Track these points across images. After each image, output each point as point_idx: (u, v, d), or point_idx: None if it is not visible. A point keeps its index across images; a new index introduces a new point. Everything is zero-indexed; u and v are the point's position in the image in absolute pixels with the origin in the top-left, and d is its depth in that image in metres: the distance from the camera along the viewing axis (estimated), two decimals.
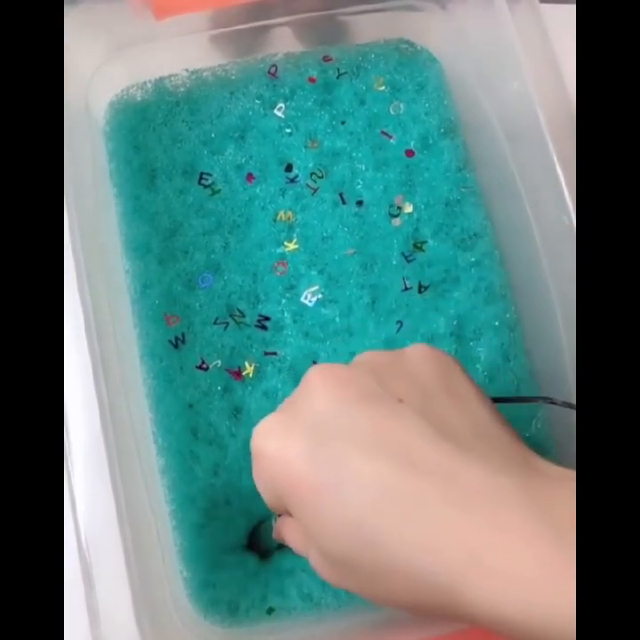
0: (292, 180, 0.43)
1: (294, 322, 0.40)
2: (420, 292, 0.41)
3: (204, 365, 0.39)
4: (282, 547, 0.38)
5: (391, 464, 0.26)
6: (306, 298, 0.40)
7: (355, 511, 0.26)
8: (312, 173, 0.43)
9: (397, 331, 0.40)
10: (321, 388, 0.29)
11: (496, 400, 0.31)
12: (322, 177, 0.43)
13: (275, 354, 0.40)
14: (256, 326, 0.40)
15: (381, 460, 0.26)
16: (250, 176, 0.43)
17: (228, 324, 0.40)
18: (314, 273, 0.41)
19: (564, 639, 0.23)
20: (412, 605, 0.27)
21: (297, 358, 0.40)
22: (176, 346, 0.39)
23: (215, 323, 0.40)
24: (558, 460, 0.39)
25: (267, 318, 0.40)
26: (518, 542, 0.24)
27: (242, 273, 0.41)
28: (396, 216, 0.42)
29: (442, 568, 0.25)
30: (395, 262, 0.41)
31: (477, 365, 0.40)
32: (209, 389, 0.39)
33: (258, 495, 0.37)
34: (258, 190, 0.42)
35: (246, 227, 0.42)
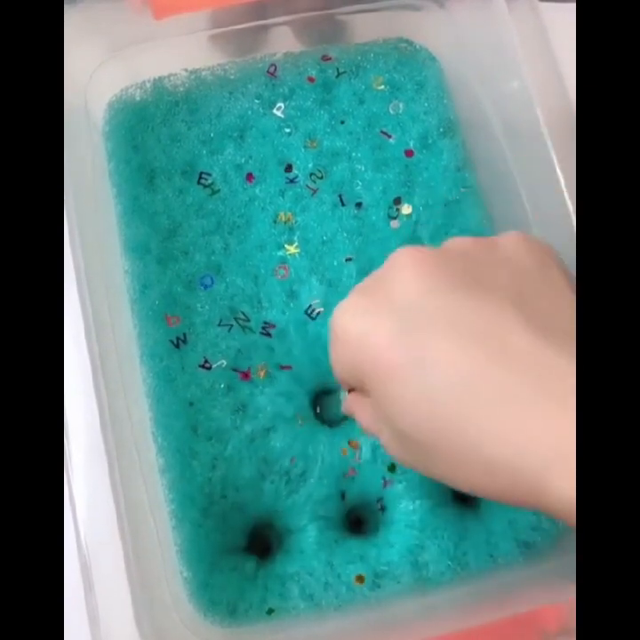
0: (292, 181, 0.43)
1: (297, 331, 0.40)
2: None
3: (207, 365, 0.39)
4: (346, 419, 0.39)
5: (482, 351, 0.26)
6: (310, 309, 0.40)
7: (438, 394, 0.26)
8: (311, 174, 0.43)
9: None
10: (410, 272, 0.28)
11: None
12: (321, 177, 0.43)
13: (290, 367, 0.40)
14: (261, 334, 0.40)
15: (472, 347, 0.26)
16: (249, 176, 0.43)
17: (231, 326, 0.40)
18: (314, 281, 0.41)
19: None
20: (490, 493, 0.27)
21: (303, 364, 0.40)
22: (177, 346, 0.39)
23: (220, 324, 0.40)
24: None
25: (272, 325, 0.40)
26: None
27: (243, 275, 0.41)
28: (395, 218, 0.42)
29: (528, 460, 0.24)
30: None
31: None
32: (211, 387, 0.39)
33: (253, 488, 0.37)
34: (257, 191, 0.42)
35: (246, 228, 0.42)
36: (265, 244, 0.41)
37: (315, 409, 0.40)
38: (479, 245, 0.30)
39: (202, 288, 0.40)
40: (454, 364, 0.26)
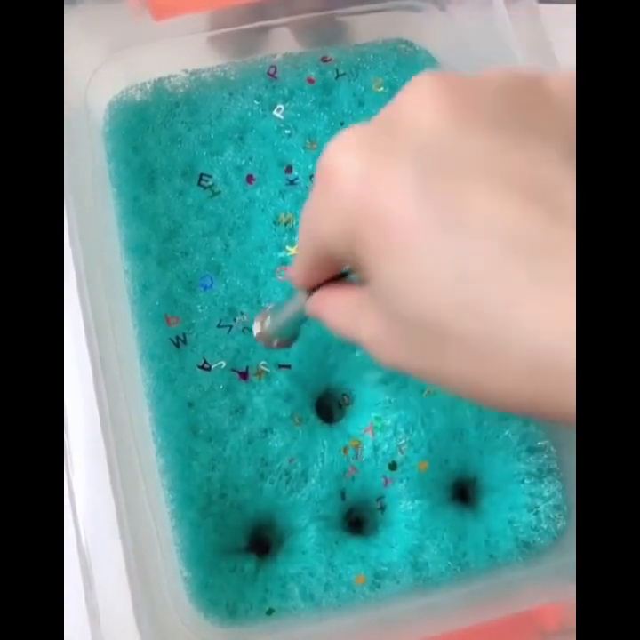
0: (292, 182, 0.43)
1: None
2: None
3: (206, 365, 0.39)
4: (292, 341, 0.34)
5: (526, 205, 0.20)
6: None
7: (473, 262, 0.20)
8: (312, 175, 0.43)
9: None
10: (434, 102, 0.22)
11: None
12: None
13: (289, 367, 0.39)
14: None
15: (507, 196, 0.20)
16: (250, 178, 0.43)
17: (231, 327, 0.40)
18: None
19: None
20: (512, 395, 0.21)
21: (302, 363, 0.40)
22: (177, 346, 0.39)
23: (219, 325, 0.40)
24: (557, 459, 0.39)
25: None
26: None
27: (243, 276, 0.41)
28: None
29: (559, 346, 0.20)
30: None
31: None
32: (211, 388, 0.39)
33: (253, 487, 0.37)
34: (258, 192, 0.42)
35: (246, 229, 0.42)
36: (265, 245, 0.41)
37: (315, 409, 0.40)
38: (526, 82, 0.23)
39: (202, 289, 0.40)
40: (499, 219, 0.20)
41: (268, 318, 0.34)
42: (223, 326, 0.40)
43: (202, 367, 0.39)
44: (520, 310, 0.20)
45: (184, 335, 0.40)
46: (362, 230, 0.22)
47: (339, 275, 0.27)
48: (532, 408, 0.21)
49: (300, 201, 0.42)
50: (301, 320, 0.32)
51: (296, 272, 0.27)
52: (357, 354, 0.39)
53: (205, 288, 0.40)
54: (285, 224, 0.42)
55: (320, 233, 0.24)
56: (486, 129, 0.22)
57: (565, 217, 0.20)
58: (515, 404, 0.22)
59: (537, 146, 0.21)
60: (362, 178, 0.22)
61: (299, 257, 0.27)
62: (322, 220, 0.24)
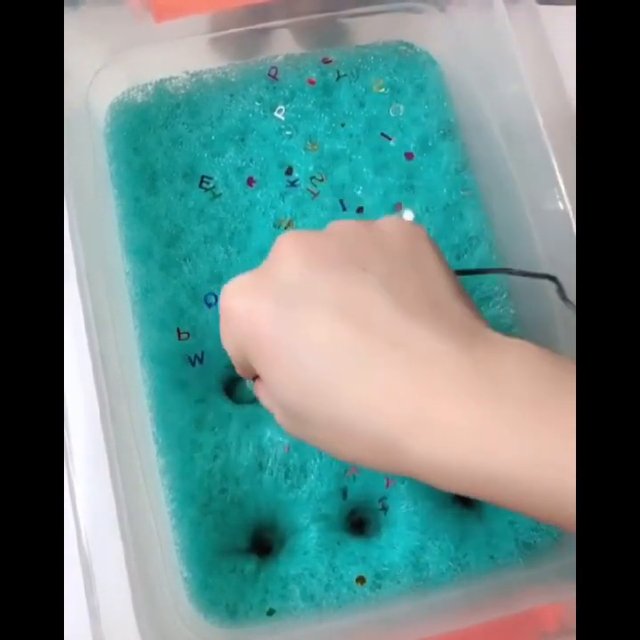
0: (293, 184, 0.43)
1: None
2: None
3: (207, 364, 0.39)
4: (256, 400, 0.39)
5: (348, 326, 0.28)
6: None
7: (312, 367, 0.28)
8: (312, 177, 0.43)
9: None
10: (290, 253, 0.30)
11: (460, 272, 0.33)
12: (322, 181, 0.43)
13: None
14: None
15: (339, 322, 0.28)
16: (250, 180, 0.43)
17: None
18: None
19: (505, 484, 0.25)
20: (363, 460, 0.29)
21: None
22: (193, 364, 0.39)
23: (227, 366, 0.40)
24: None
25: None
26: (459, 400, 0.26)
27: None
28: None
29: (387, 426, 0.27)
30: None
31: None
32: (211, 387, 0.39)
33: (252, 479, 0.37)
34: (259, 194, 0.42)
35: (247, 233, 0.42)
36: (266, 249, 0.41)
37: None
38: (358, 228, 0.31)
39: (206, 306, 0.40)
40: (325, 336, 0.28)
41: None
42: (231, 367, 0.40)
43: (202, 366, 0.39)
44: (347, 397, 0.27)
45: (187, 334, 0.40)
46: (247, 347, 0.30)
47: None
48: (381, 469, 0.28)
49: (300, 203, 0.42)
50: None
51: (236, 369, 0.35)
52: None
53: (210, 306, 0.40)
54: (285, 228, 0.42)
55: (228, 348, 0.33)
56: (324, 269, 0.29)
57: (376, 333, 0.28)
58: (374, 468, 0.29)
59: (358, 279, 0.29)
60: (243, 312, 0.30)
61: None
62: (225, 341, 0.33)
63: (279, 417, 0.31)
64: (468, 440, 0.25)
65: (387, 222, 0.32)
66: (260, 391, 0.34)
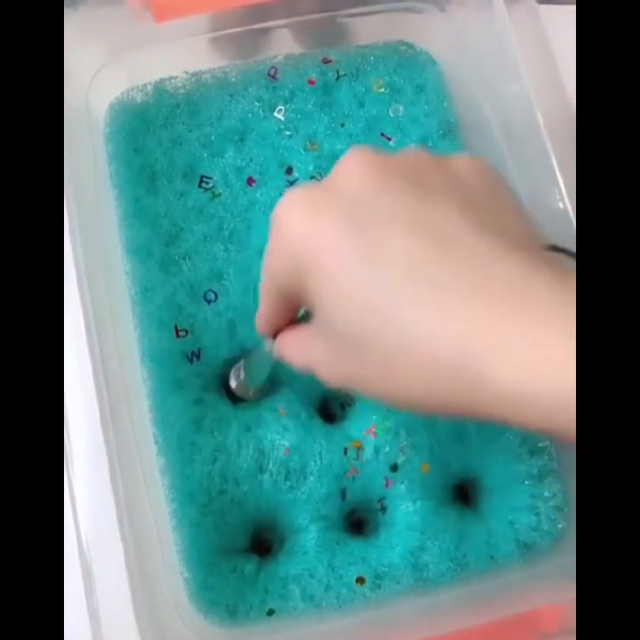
0: (292, 184, 0.43)
1: None
2: None
3: (204, 361, 0.40)
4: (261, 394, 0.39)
5: (426, 243, 0.26)
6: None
7: (377, 284, 0.26)
8: (312, 177, 0.43)
9: None
10: (362, 170, 0.28)
11: None
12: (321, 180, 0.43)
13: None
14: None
15: (417, 238, 0.26)
16: (250, 179, 0.43)
17: (231, 334, 0.40)
18: None
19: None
20: (427, 397, 0.26)
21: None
22: (190, 361, 0.39)
23: (220, 329, 0.40)
24: (558, 461, 0.39)
25: None
26: (545, 323, 0.24)
27: (244, 284, 0.40)
28: None
29: (467, 350, 0.25)
30: None
31: None
32: (210, 385, 0.39)
33: (252, 481, 0.37)
34: (258, 194, 0.42)
35: (247, 232, 0.42)
36: (253, 248, 0.41)
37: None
38: (432, 158, 0.30)
39: (205, 303, 0.40)
40: (402, 253, 0.26)
41: (242, 371, 0.39)
42: (229, 361, 0.40)
43: (202, 365, 0.39)
44: (419, 318, 0.25)
45: (186, 331, 0.40)
46: (304, 265, 0.28)
47: (294, 321, 0.32)
48: (447, 408, 0.26)
49: None
50: (270, 365, 0.37)
51: (261, 322, 0.33)
52: None
53: (209, 303, 0.40)
54: None
55: (275, 271, 0.30)
56: (399, 190, 0.28)
57: (458, 255, 0.26)
58: (430, 405, 0.27)
59: (438, 201, 0.27)
60: (302, 225, 0.28)
61: (261, 306, 0.32)
62: (275, 260, 0.30)
63: (324, 356, 0.29)
64: (556, 365, 0.24)
65: (463, 159, 0.30)
66: (288, 341, 0.32)
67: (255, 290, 0.40)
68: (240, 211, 0.42)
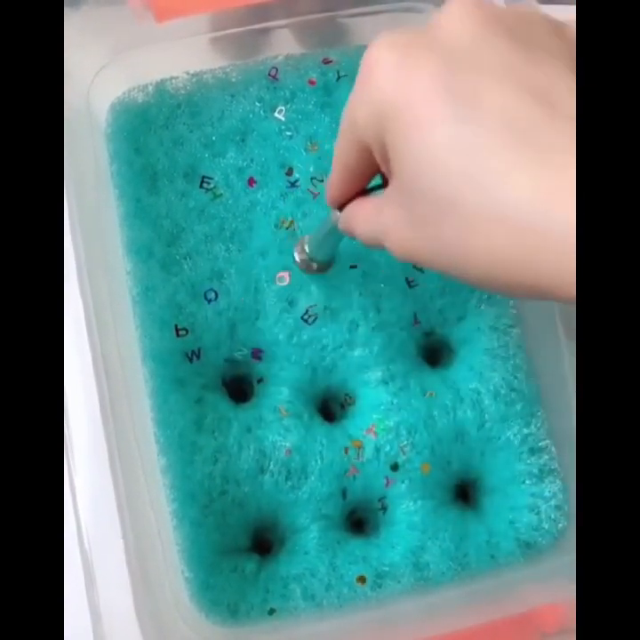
0: (293, 184, 0.43)
1: (290, 340, 0.40)
2: (410, 287, 0.41)
3: (204, 361, 0.40)
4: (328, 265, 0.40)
5: (536, 103, 0.24)
6: (306, 314, 0.40)
7: (476, 140, 0.24)
8: (313, 177, 0.43)
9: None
10: (463, 15, 0.26)
11: None
12: (322, 181, 0.43)
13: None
14: (252, 358, 0.40)
15: (527, 97, 0.24)
16: (251, 180, 0.42)
17: (232, 332, 0.40)
18: (314, 288, 0.41)
19: None
20: (508, 264, 0.24)
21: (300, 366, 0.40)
22: (190, 360, 0.40)
23: (226, 360, 0.40)
24: (558, 460, 0.39)
25: (261, 351, 0.40)
26: None
27: (245, 284, 0.41)
28: None
29: (559, 220, 0.23)
30: (397, 270, 0.41)
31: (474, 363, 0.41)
32: (210, 385, 0.39)
33: (253, 481, 0.37)
34: (259, 195, 0.42)
35: (248, 233, 0.41)
36: (267, 249, 0.41)
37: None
38: (547, 21, 0.28)
39: (206, 302, 0.40)
40: (507, 111, 0.24)
41: (306, 245, 0.39)
42: (229, 360, 0.40)
43: (201, 364, 0.40)
44: (513, 180, 0.23)
45: (186, 330, 0.40)
46: (391, 116, 0.26)
47: (364, 191, 0.31)
48: (521, 277, 0.24)
49: (300, 204, 0.42)
50: (336, 239, 0.37)
51: (330, 191, 0.32)
52: (356, 353, 0.39)
53: (209, 302, 0.40)
54: (286, 228, 0.42)
55: (357, 119, 0.28)
56: (504, 43, 0.26)
57: (564, 115, 0.24)
58: (503, 275, 0.25)
59: (546, 60, 0.25)
60: (395, 69, 0.26)
61: (333, 171, 0.31)
62: (359, 107, 0.28)
63: (399, 223, 0.27)
64: None
65: (574, 29, 0.28)
66: (358, 211, 0.31)
67: (256, 289, 0.40)
68: (241, 211, 0.42)
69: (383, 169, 0.29)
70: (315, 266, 0.40)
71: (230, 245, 0.41)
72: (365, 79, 0.27)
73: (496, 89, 0.25)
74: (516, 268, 0.24)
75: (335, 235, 0.35)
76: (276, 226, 0.42)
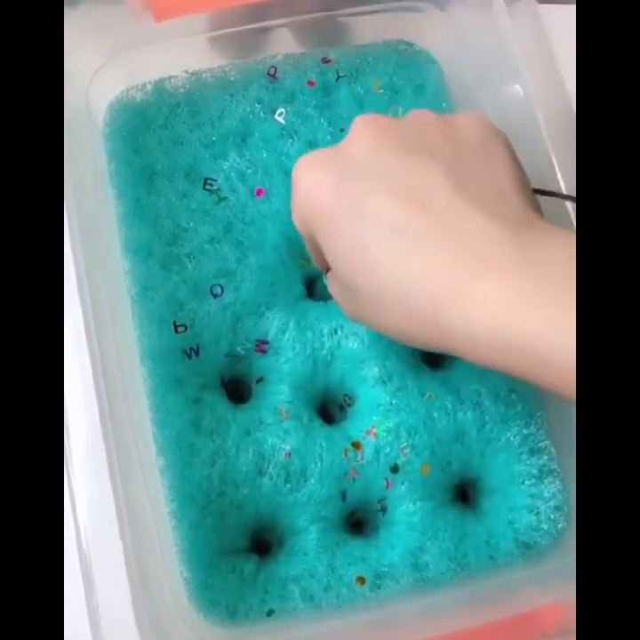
0: None
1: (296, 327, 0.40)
2: None
3: (203, 358, 0.40)
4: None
5: (404, 204, 0.30)
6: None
7: (363, 240, 0.30)
8: None
9: None
10: (363, 133, 0.32)
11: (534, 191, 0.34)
12: None
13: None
14: (255, 351, 0.40)
15: (397, 200, 0.30)
16: (252, 180, 0.42)
17: (236, 356, 0.40)
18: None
19: (535, 353, 0.27)
20: (404, 332, 0.31)
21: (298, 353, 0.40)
22: (189, 357, 0.39)
23: (226, 355, 0.40)
24: (558, 460, 0.39)
25: (265, 342, 0.40)
26: (499, 277, 0.28)
27: (248, 283, 0.40)
28: None
29: (428, 297, 0.29)
30: None
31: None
32: (209, 384, 0.39)
33: (251, 484, 0.37)
34: (267, 205, 0.42)
35: (251, 233, 0.41)
36: (269, 249, 0.41)
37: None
38: (437, 118, 0.33)
39: (211, 297, 0.40)
40: (384, 213, 0.30)
41: None
42: (230, 356, 0.40)
43: (201, 363, 0.39)
44: (397, 270, 0.30)
45: (185, 327, 0.39)
46: (310, 216, 0.33)
47: None
48: (426, 342, 0.31)
49: None
50: None
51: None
52: (351, 345, 0.39)
53: (216, 296, 0.40)
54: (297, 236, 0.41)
55: (296, 222, 0.35)
56: (393, 151, 0.31)
57: (433, 211, 0.30)
58: (413, 339, 0.31)
59: (422, 164, 0.31)
60: (310, 184, 0.33)
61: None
62: (294, 214, 0.35)
63: (338, 296, 0.34)
64: (502, 311, 0.27)
65: (466, 118, 0.33)
66: (329, 280, 0.36)
67: (270, 285, 0.41)
68: (246, 214, 0.42)
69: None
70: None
71: (233, 246, 0.41)
72: (294, 193, 0.34)
73: (379, 197, 0.30)
74: (417, 335, 0.31)
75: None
76: (280, 231, 0.41)
